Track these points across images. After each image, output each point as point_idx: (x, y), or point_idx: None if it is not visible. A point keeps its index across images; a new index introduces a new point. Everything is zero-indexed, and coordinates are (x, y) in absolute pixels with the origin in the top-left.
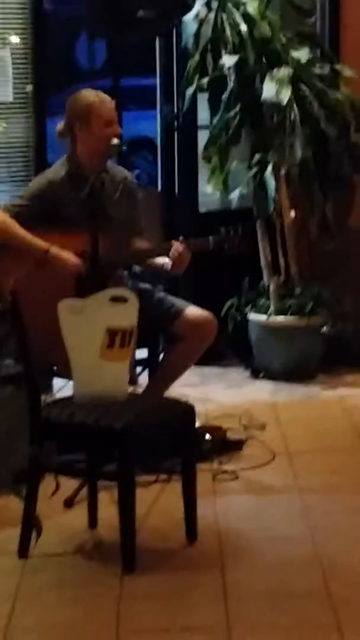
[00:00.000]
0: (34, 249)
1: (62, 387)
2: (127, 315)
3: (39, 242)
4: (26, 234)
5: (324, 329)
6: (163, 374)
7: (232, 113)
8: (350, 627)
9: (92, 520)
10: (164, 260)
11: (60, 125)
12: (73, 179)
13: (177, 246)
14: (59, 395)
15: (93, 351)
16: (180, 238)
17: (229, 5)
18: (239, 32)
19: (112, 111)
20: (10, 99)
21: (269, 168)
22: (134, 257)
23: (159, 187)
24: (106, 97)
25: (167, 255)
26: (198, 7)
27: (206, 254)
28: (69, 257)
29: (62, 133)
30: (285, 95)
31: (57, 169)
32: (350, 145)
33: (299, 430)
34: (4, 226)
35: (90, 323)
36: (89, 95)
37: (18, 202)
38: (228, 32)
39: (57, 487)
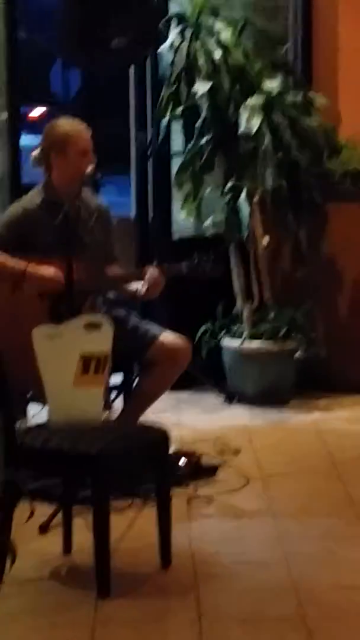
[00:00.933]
0: (12, 270)
1: (37, 413)
2: (102, 342)
3: (17, 262)
4: (3, 256)
5: (297, 354)
6: (138, 400)
7: (205, 140)
8: None
9: (67, 546)
10: (137, 286)
11: (36, 152)
12: (48, 207)
13: (152, 271)
14: (33, 420)
15: (68, 377)
16: (154, 263)
17: (203, 33)
18: (212, 60)
19: (88, 141)
20: None
21: (243, 194)
22: (108, 284)
23: (133, 214)
24: (83, 127)
25: (141, 280)
26: (173, 36)
27: (180, 279)
28: (48, 271)
29: (38, 160)
30: (255, 124)
31: (32, 197)
32: (323, 173)
33: (273, 454)
34: None
35: (64, 349)
36: (66, 124)
37: None
38: (201, 60)
39: (32, 512)
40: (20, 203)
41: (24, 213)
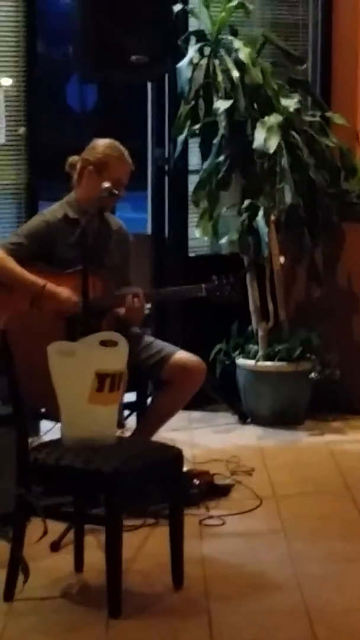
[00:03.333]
0: (30, 285)
1: (49, 430)
2: (117, 359)
3: (35, 279)
4: (22, 270)
5: (312, 374)
6: (151, 418)
7: (222, 158)
8: None
9: (79, 564)
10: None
11: (74, 159)
12: (70, 222)
13: (129, 299)
14: (46, 437)
15: (82, 394)
16: (141, 291)
17: (222, 51)
18: (230, 78)
19: (127, 175)
20: (3, 140)
21: (260, 213)
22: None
23: (149, 231)
24: (128, 159)
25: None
26: (191, 53)
27: (196, 299)
28: (66, 293)
29: (72, 166)
30: (273, 143)
31: (55, 211)
32: (339, 193)
33: (286, 475)
34: (0, 263)
35: (80, 366)
36: (115, 148)
37: (15, 239)
38: (220, 78)
39: (45, 531)
40: (43, 215)
41: (46, 226)
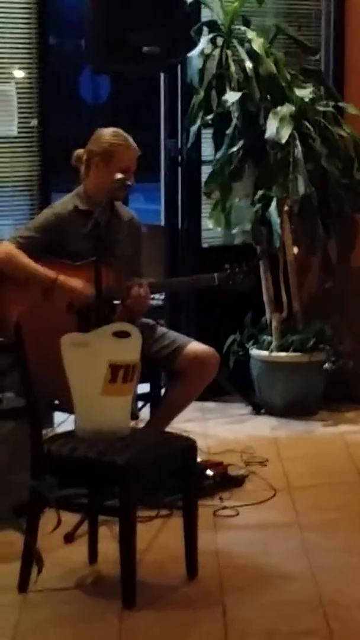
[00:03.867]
0: (42, 278)
1: (63, 421)
2: (130, 350)
3: (47, 271)
4: (34, 264)
5: (326, 365)
6: (165, 409)
7: (235, 149)
8: None
9: (93, 556)
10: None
11: (80, 151)
12: (81, 214)
13: (136, 289)
14: (59, 429)
15: (95, 386)
16: (145, 281)
17: (234, 41)
18: (243, 69)
19: (133, 162)
20: (15, 133)
21: (273, 204)
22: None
23: (162, 222)
24: (133, 145)
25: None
26: (203, 43)
27: (209, 289)
28: (77, 284)
29: (79, 159)
30: (286, 133)
31: (65, 203)
32: (353, 184)
33: (300, 466)
34: (11, 256)
35: (93, 357)
36: (118, 136)
37: (25, 233)
38: (233, 68)
39: (59, 521)
40: (53, 208)
41: (56, 219)
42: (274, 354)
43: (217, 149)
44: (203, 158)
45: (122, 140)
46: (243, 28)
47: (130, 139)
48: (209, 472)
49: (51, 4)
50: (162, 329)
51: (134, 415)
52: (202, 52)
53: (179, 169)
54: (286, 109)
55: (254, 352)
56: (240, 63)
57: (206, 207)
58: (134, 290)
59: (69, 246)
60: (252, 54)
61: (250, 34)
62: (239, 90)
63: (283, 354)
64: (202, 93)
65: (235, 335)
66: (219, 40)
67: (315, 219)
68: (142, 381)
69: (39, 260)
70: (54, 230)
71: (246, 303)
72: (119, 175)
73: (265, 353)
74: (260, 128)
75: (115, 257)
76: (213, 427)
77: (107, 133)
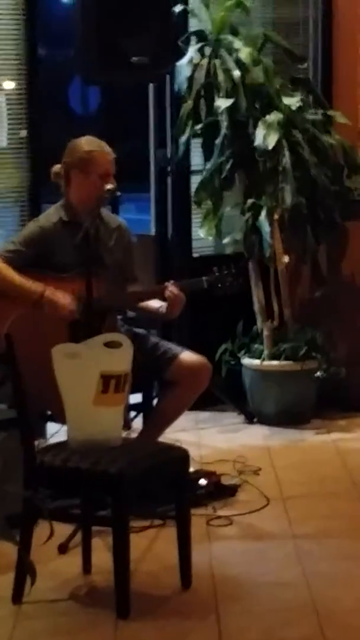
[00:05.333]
0: (29, 293)
1: (55, 432)
2: (122, 360)
3: (34, 286)
4: (20, 278)
5: (318, 373)
6: (157, 419)
7: (224, 158)
8: None
9: (86, 566)
10: (158, 304)
11: (57, 167)
12: (66, 225)
13: (172, 288)
14: (52, 440)
15: (87, 396)
16: (171, 281)
17: (222, 51)
18: (231, 78)
19: (111, 164)
20: (4, 144)
21: (263, 213)
22: (127, 302)
23: (152, 232)
24: (107, 149)
25: (160, 298)
26: (191, 53)
27: (200, 296)
28: (64, 300)
29: (58, 175)
30: (273, 140)
31: (50, 215)
32: (342, 191)
33: (293, 475)
34: None
35: (84, 368)
36: (92, 143)
37: (11, 247)
38: (221, 77)
39: (52, 532)
40: (38, 221)
41: (41, 232)
42: (266, 362)
43: (206, 158)
44: (192, 168)
45: (96, 146)
46: (231, 37)
47: (104, 144)
48: (202, 482)
49: (40, 15)
50: (154, 339)
51: (127, 425)
52: (190, 62)
53: (169, 179)
54: (274, 116)
55: (246, 361)
56: (228, 72)
57: (196, 217)
58: (168, 291)
59: (55, 258)
60: (240, 63)
61: (238, 44)
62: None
63: (275, 362)
64: (190, 102)
65: (226, 344)
66: (207, 50)
67: (305, 228)
68: (134, 391)
69: (27, 273)
70: (40, 243)
71: (237, 312)
72: (109, 186)
73: (257, 362)
74: (249, 137)
75: (104, 266)
76: (206, 437)
77: (80, 142)
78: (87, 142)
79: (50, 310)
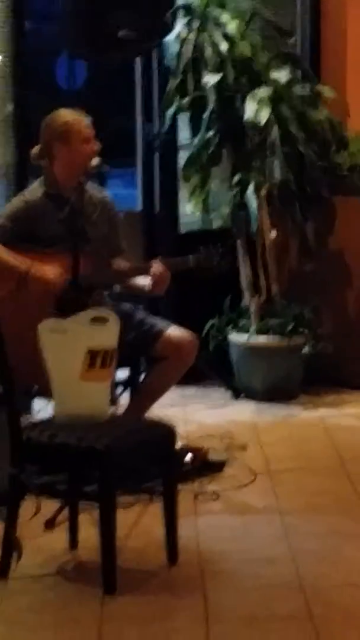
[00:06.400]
0: (15, 269)
1: (42, 408)
2: (108, 336)
3: (20, 261)
4: (5, 254)
5: (305, 349)
6: (144, 395)
7: (212, 133)
8: None
9: (73, 542)
10: (144, 281)
11: (36, 148)
12: (51, 200)
13: (157, 266)
14: (39, 416)
15: (74, 372)
16: (159, 258)
17: (210, 25)
18: (219, 52)
19: (90, 128)
20: None
21: (251, 188)
22: (114, 278)
23: (139, 207)
24: (82, 115)
25: (147, 275)
26: (179, 27)
27: (187, 273)
28: (50, 274)
29: (40, 156)
30: (265, 115)
31: (34, 190)
32: (330, 167)
33: (281, 450)
34: None
35: (71, 343)
36: (66, 114)
37: None
38: (208, 52)
39: (38, 508)
40: (22, 196)
41: (26, 206)
42: (253, 338)
43: (194, 133)
44: (180, 143)
45: (69, 115)
46: (218, 11)
47: (77, 110)
48: (189, 457)
49: None
50: (140, 314)
51: (114, 401)
52: (177, 36)
53: (156, 154)
54: (264, 91)
55: (233, 336)
56: (215, 46)
57: (183, 192)
58: (153, 269)
59: (42, 232)
60: (228, 37)
61: (225, 17)
62: (215, 73)
63: (262, 338)
64: (178, 77)
65: (214, 319)
66: (195, 24)
67: (292, 203)
68: (121, 367)
69: (13, 249)
70: (26, 218)
71: (225, 287)
72: (95, 161)
73: (244, 337)
74: (237, 112)
75: (89, 240)
76: (193, 413)
77: (54, 116)
78: (61, 114)
79: (36, 286)
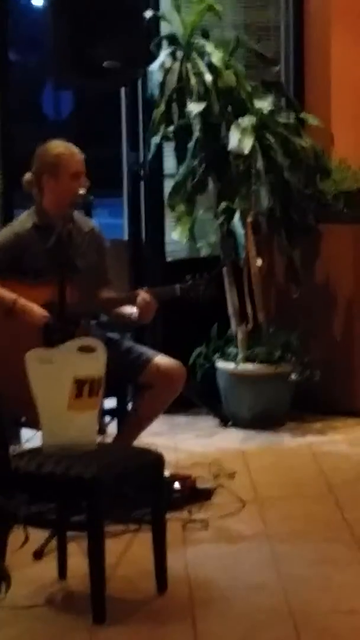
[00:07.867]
0: (3, 300)
1: (30, 438)
2: (95, 365)
3: (6, 295)
4: None
5: (292, 376)
6: (132, 423)
7: (197, 161)
8: None
9: (62, 571)
10: (131, 310)
11: (27, 175)
12: (40, 230)
13: (143, 295)
14: (27, 445)
15: (61, 401)
16: (145, 288)
17: (194, 55)
18: (204, 82)
19: (81, 164)
20: None
21: (237, 216)
22: (101, 307)
23: (125, 236)
24: (75, 150)
25: (134, 304)
26: (163, 57)
27: (173, 301)
28: (35, 309)
29: (30, 183)
30: (248, 144)
31: (24, 220)
32: (315, 194)
33: (269, 478)
34: None
35: (58, 373)
36: (59, 146)
37: None
38: (193, 81)
39: (27, 538)
40: (12, 227)
41: (15, 237)
42: (240, 366)
43: (179, 162)
44: (165, 172)
45: (62, 148)
46: (202, 41)
47: (71, 145)
48: (177, 486)
49: (11, 19)
50: (127, 343)
51: (102, 430)
52: (162, 66)
53: (142, 183)
54: (248, 120)
55: (220, 364)
56: (200, 76)
57: (170, 221)
58: (139, 299)
59: (29, 264)
60: (212, 67)
61: (209, 47)
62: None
63: (249, 365)
64: (162, 106)
65: (201, 347)
66: (179, 54)
67: (279, 231)
68: (108, 395)
69: (1, 281)
70: (15, 250)
71: (212, 315)
72: (82, 191)
73: (231, 365)
74: (222, 140)
75: (77, 270)
76: (181, 441)
77: (47, 147)
78: (54, 146)
79: (23, 318)
